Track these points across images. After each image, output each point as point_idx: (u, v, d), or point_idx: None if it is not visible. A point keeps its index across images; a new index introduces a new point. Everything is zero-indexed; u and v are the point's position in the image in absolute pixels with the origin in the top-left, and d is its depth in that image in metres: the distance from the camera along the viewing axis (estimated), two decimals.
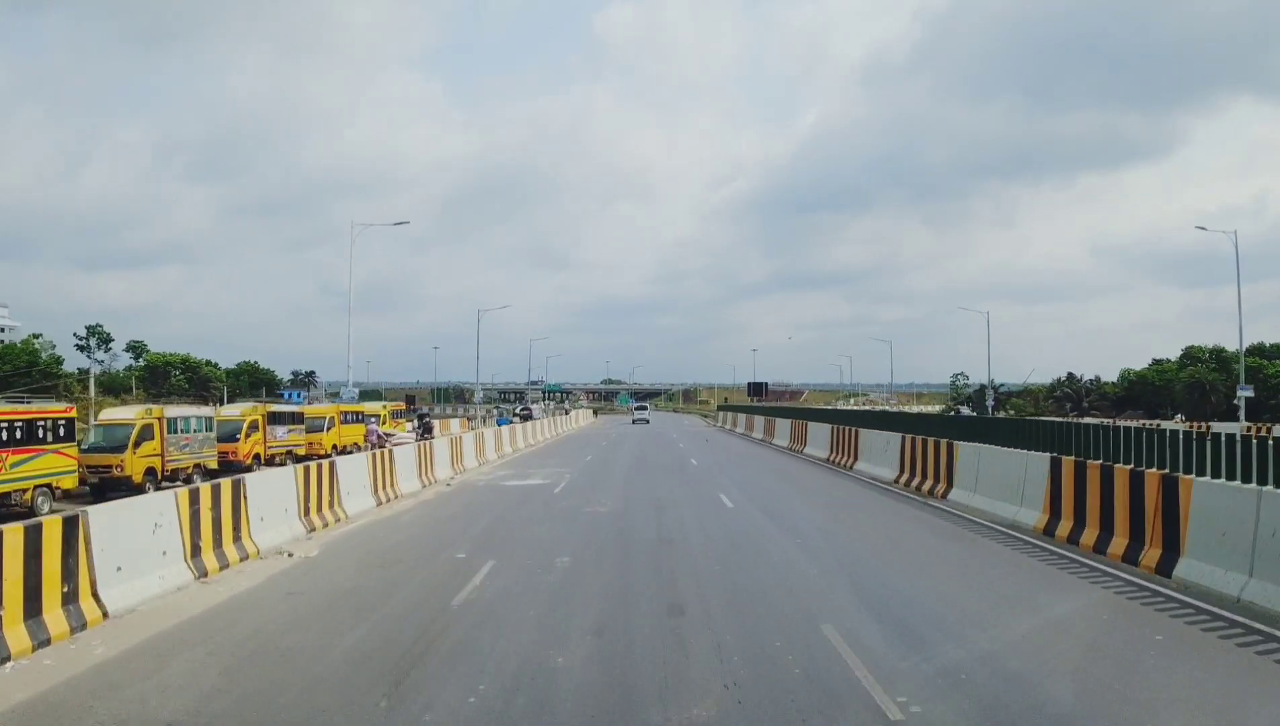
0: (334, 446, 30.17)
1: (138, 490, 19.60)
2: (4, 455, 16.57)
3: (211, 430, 22.96)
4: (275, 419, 26.57)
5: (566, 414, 74.45)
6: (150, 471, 20.47)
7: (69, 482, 18.88)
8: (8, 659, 7.05)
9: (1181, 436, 10.55)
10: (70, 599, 8.29)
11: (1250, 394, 48.89)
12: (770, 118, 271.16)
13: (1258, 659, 6.61)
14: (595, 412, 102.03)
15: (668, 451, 33.59)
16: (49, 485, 18.03)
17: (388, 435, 35.62)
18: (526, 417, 61.36)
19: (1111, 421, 23.46)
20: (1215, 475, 9.59)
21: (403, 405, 49.21)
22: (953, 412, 77.64)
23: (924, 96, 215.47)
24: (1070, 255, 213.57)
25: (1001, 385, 75.11)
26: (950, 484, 15.87)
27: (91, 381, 58.52)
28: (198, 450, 22.15)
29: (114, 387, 77.48)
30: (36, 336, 74.57)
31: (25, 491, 17.04)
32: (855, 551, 11.25)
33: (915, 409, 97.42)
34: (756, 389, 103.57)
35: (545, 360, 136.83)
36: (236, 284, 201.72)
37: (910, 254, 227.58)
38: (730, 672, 6.25)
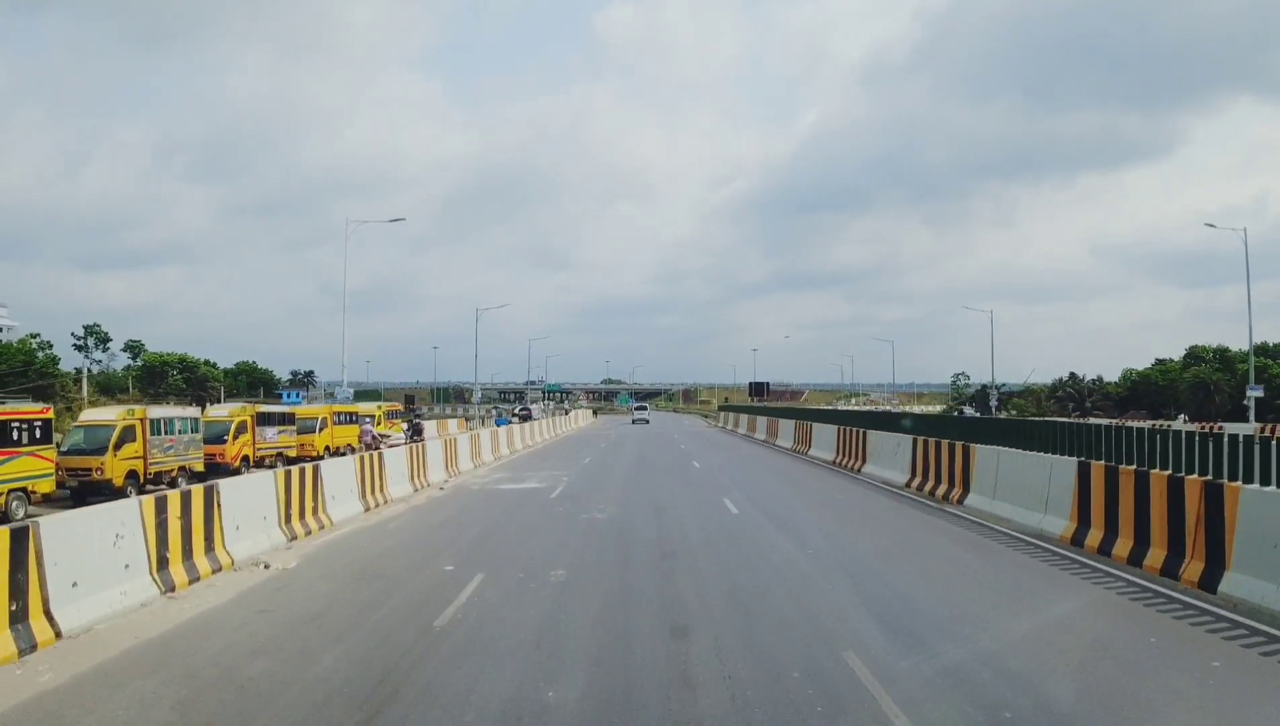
0: (326, 448, 29.44)
1: (119, 494, 18.83)
2: None
3: (197, 431, 22.21)
4: (265, 420, 25.81)
5: (566, 414, 73.67)
6: (132, 474, 19.72)
7: (46, 486, 18.14)
8: None
9: (1226, 441, 9.83)
10: (19, 618, 7.56)
11: (1260, 394, 48.14)
12: (770, 118, 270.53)
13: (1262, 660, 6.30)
14: (595, 413, 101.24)
15: (668, 452, 32.84)
16: (24, 489, 17.30)
17: (383, 436, 34.89)
18: (526, 418, 60.60)
19: (1123, 422, 22.76)
20: (1250, 480, 8.89)
21: (398, 405, 48.51)
22: (956, 413, 76.96)
23: (924, 96, 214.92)
24: (1070, 255, 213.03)
25: (1003, 385, 74.39)
26: (966, 489, 15.11)
27: (84, 381, 57.75)
28: (183, 452, 21.40)
29: (110, 387, 76.83)
30: (34, 336, 73.98)
31: None
32: (872, 564, 10.48)
33: (918, 409, 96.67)
34: (758, 389, 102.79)
35: (545, 360, 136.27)
36: (236, 284, 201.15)
37: (910, 254, 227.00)
38: (744, 713, 5.49)
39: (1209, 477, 9.53)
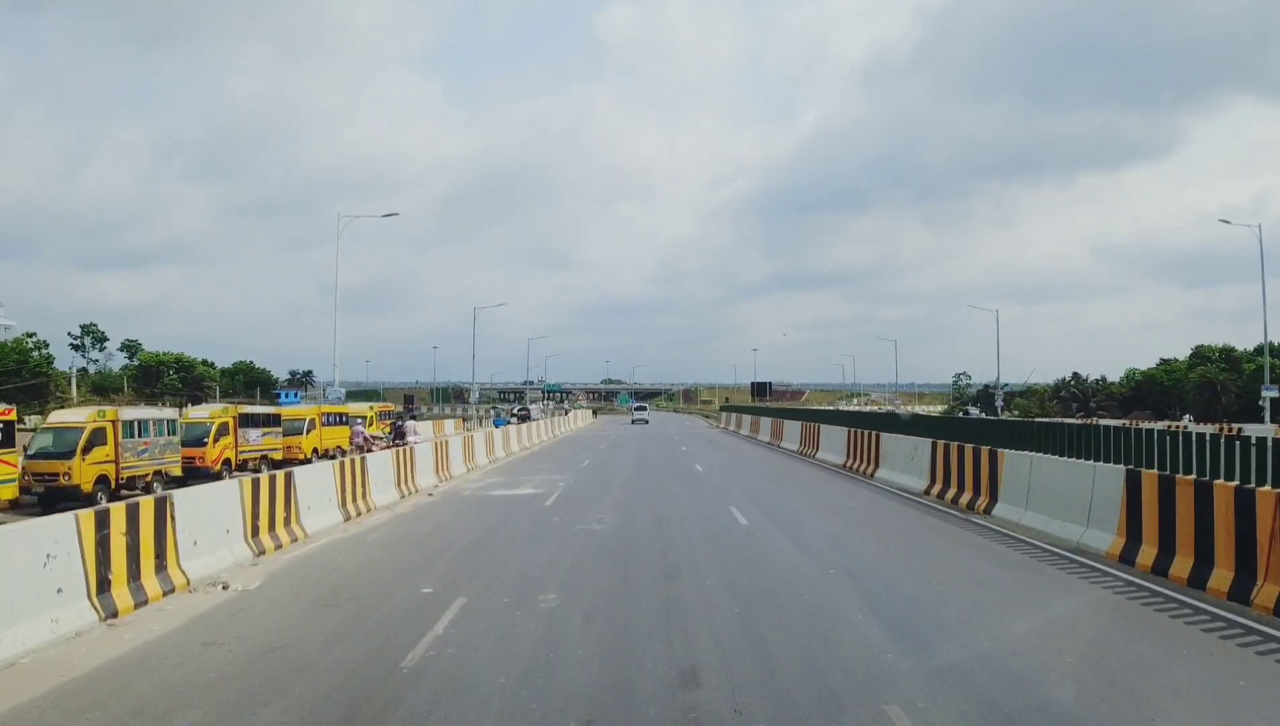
0: (314, 450, 28.31)
1: (89, 500, 17.77)
2: None
3: (175, 433, 21.08)
4: (248, 421, 24.67)
5: (565, 414, 72.53)
6: (102, 479, 18.62)
7: (9, 492, 17.04)
8: None
9: (1255, 444, 8.89)
10: None
11: (1275, 394, 46.88)
12: (770, 118, 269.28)
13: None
14: (595, 413, 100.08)
15: (670, 455, 31.72)
16: None
17: (375, 438, 33.77)
18: (525, 418, 59.50)
19: (1139, 423, 21.72)
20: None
21: (391, 406, 47.28)
22: (961, 413, 75.84)
23: (924, 96, 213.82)
24: (1070, 255, 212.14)
25: (1005, 385, 73.22)
26: (993, 498, 13.98)
27: (73, 380, 56.63)
28: (158, 455, 20.28)
29: (104, 387, 75.82)
30: (30, 335, 72.97)
31: None
32: (902, 587, 9.34)
33: (920, 409, 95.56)
34: (760, 389, 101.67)
35: (544, 360, 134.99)
36: (236, 284, 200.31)
37: (910, 254, 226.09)
38: None
39: None
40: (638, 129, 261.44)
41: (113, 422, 19.01)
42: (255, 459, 24.40)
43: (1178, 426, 30.30)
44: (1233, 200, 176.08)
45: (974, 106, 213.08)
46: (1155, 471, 10.40)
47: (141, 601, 9.09)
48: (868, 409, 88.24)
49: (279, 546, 12.07)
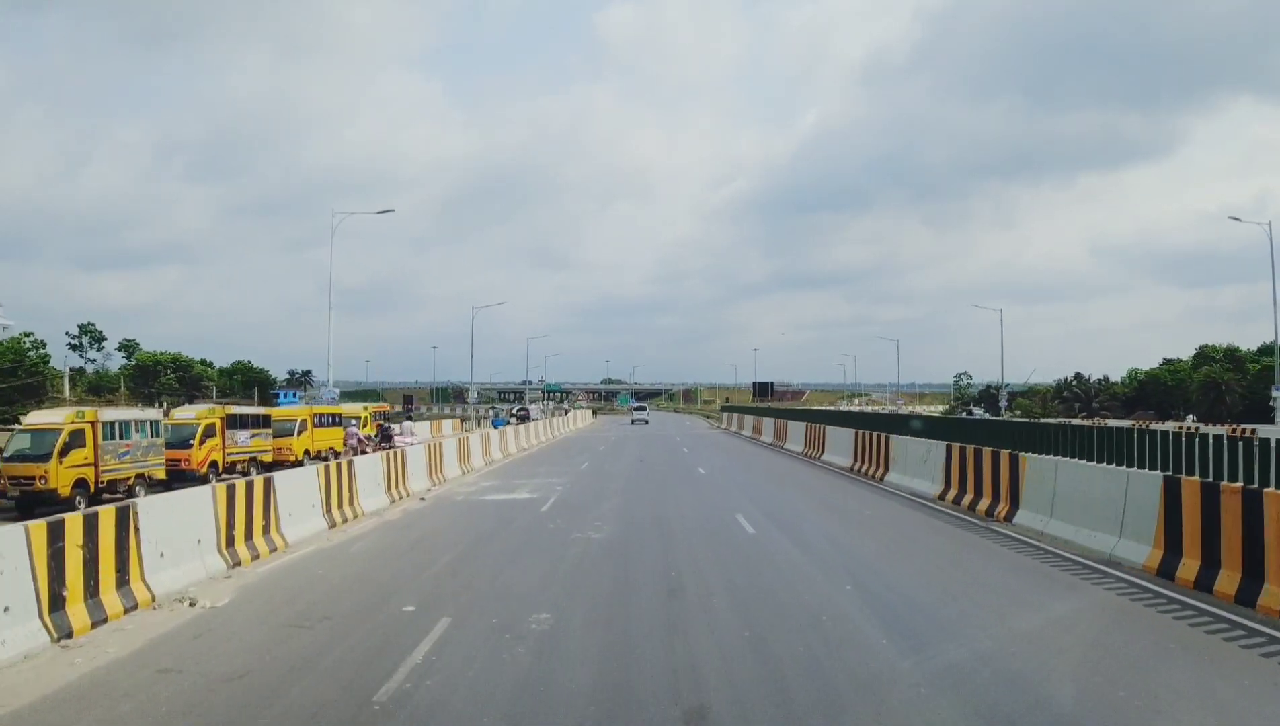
0: (306, 452, 27.56)
1: (67, 504, 17.05)
2: None
3: (158, 435, 20.33)
4: (237, 422, 23.89)
5: (565, 414, 71.74)
6: (80, 483, 17.88)
7: None
8: None
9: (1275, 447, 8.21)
10: None
11: None
12: (770, 118, 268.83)
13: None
14: (594, 413, 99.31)
15: (671, 457, 30.96)
16: None
17: (369, 439, 33.04)
18: (524, 418, 58.76)
19: (1147, 424, 21.02)
20: None
21: (387, 407, 46.55)
22: (965, 413, 75.07)
23: (924, 96, 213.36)
24: (1070, 255, 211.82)
25: (1006, 385, 72.48)
26: (1014, 504, 13.23)
27: (66, 380, 55.93)
28: (141, 458, 19.53)
29: (100, 387, 75.08)
30: (28, 334, 72.25)
31: None
32: (923, 604, 8.59)
33: (922, 410, 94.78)
34: (762, 389, 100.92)
35: (544, 359, 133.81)
36: (236, 284, 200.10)
37: (910, 254, 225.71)
38: None
39: None
40: (638, 129, 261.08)
41: (92, 424, 18.27)
42: (244, 461, 23.65)
43: (1184, 427, 29.62)
44: (1233, 200, 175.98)
45: (974, 106, 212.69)
46: (1197, 478, 9.67)
47: (100, 620, 8.36)
48: (869, 409, 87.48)
49: (256, 557, 11.33)
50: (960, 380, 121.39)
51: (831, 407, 79.89)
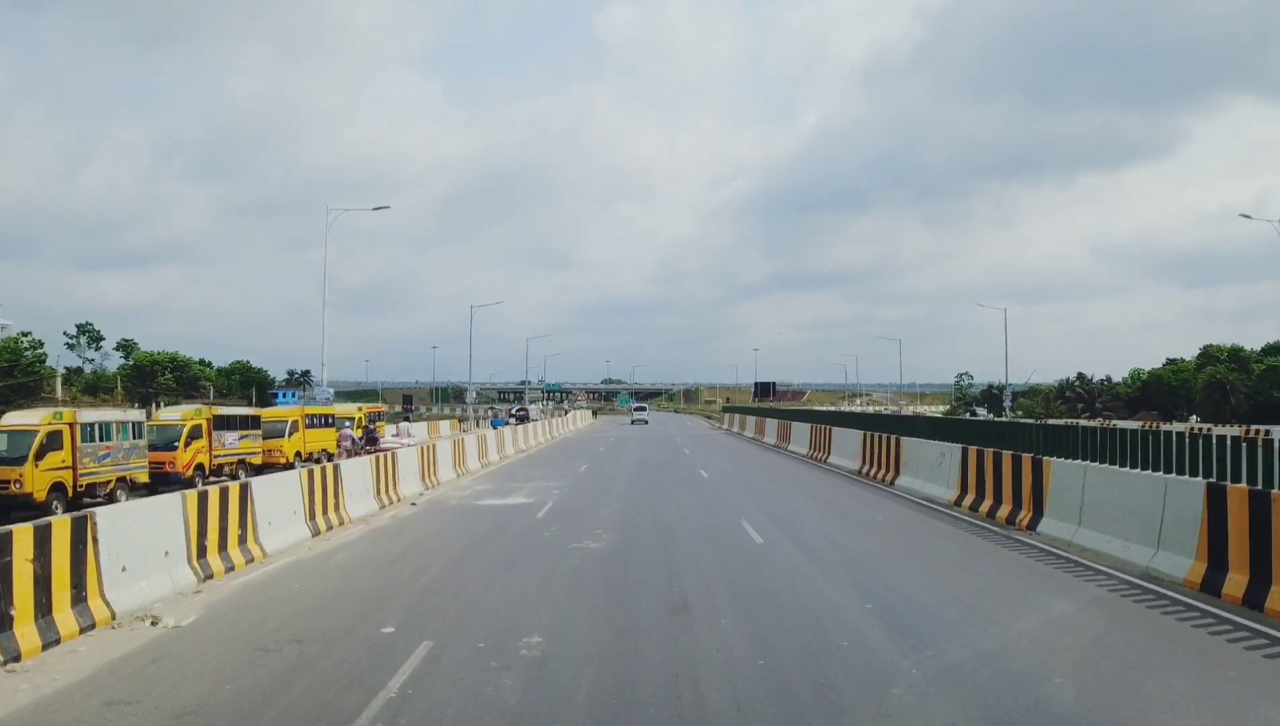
0: (298, 454, 26.83)
1: (43, 509, 16.32)
2: None
3: (141, 437, 19.61)
4: (225, 423, 23.15)
5: (565, 414, 70.98)
6: (58, 487, 17.15)
7: None
8: None
9: None
10: None
11: None
12: (770, 118, 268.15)
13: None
14: (594, 413, 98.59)
15: (672, 459, 30.21)
16: None
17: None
18: (523, 419, 58.05)
19: (1154, 426, 20.33)
20: None
21: (381, 407, 45.77)
22: (969, 414, 74.28)
23: (924, 96, 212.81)
24: (1070, 255, 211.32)
25: (1009, 385, 71.73)
26: (1037, 511, 12.48)
27: (58, 380, 55.14)
28: (122, 461, 18.81)
29: (96, 388, 74.42)
30: (25, 334, 71.65)
31: None
32: (956, 626, 7.87)
33: (924, 410, 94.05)
34: (764, 389, 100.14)
35: (544, 359, 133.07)
36: (236, 284, 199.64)
37: (910, 254, 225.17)
38: None
39: None
40: (638, 129, 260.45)
41: (70, 425, 17.56)
42: (232, 464, 22.92)
43: (1193, 428, 28.89)
44: (1233, 200, 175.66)
45: (974, 106, 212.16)
46: (1245, 486, 8.93)
47: (52, 641, 7.64)
48: (871, 410, 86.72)
49: (231, 569, 10.59)
50: (961, 380, 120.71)
51: (832, 408, 79.14)
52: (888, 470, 19.76)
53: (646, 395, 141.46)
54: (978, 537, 12.36)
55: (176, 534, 9.89)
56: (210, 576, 10.13)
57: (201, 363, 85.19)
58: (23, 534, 7.62)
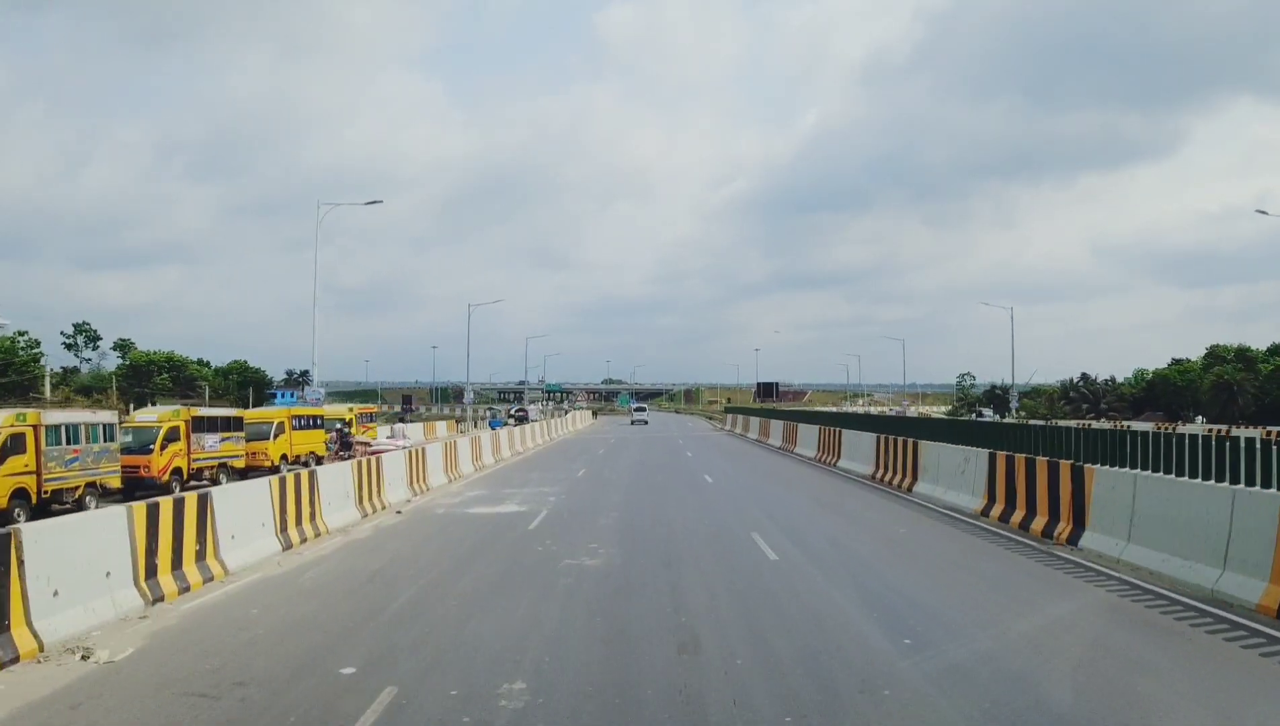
0: (283, 457, 25.71)
1: (5, 517, 15.26)
2: None
3: (113, 439, 18.52)
4: (205, 424, 22.03)
5: (564, 415, 69.86)
6: (20, 493, 16.03)
7: None
8: None
9: None
10: None
11: None
12: (770, 118, 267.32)
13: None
14: (594, 413, 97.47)
15: (674, 462, 29.11)
16: None
17: (359, 443, 31.20)
18: (522, 419, 57.03)
19: (1164, 427, 19.23)
20: None
21: (373, 408, 44.68)
22: (975, 415, 73.11)
23: (924, 96, 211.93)
24: (1070, 255, 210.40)
25: (1014, 386, 70.60)
26: (1077, 524, 11.38)
27: (46, 380, 54.11)
28: (92, 465, 17.71)
29: (91, 388, 73.42)
30: (22, 333, 70.66)
31: None
32: (1006, 662, 6.77)
33: (926, 411, 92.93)
34: (766, 390, 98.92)
35: (544, 359, 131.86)
36: (236, 284, 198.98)
37: (910, 254, 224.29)
38: None
39: None
40: (638, 129, 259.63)
41: (34, 427, 16.46)
42: (212, 467, 21.80)
43: (1225, 431, 27.80)
44: (1233, 200, 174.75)
45: (974, 106, 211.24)
46: None
47: None
48: (874, 410, 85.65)
49: (185, 589, 9.51)
50: (964, 380, 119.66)
51: (834, 408, 77.97)
52: (904, 476, 18.65)
53: (647, 395, 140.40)
54: (1015, 553, 11.22)
55: (121, 551, 8.80)
56: (160, 599, 9.05)
57: (199, 363, 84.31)
58: None
